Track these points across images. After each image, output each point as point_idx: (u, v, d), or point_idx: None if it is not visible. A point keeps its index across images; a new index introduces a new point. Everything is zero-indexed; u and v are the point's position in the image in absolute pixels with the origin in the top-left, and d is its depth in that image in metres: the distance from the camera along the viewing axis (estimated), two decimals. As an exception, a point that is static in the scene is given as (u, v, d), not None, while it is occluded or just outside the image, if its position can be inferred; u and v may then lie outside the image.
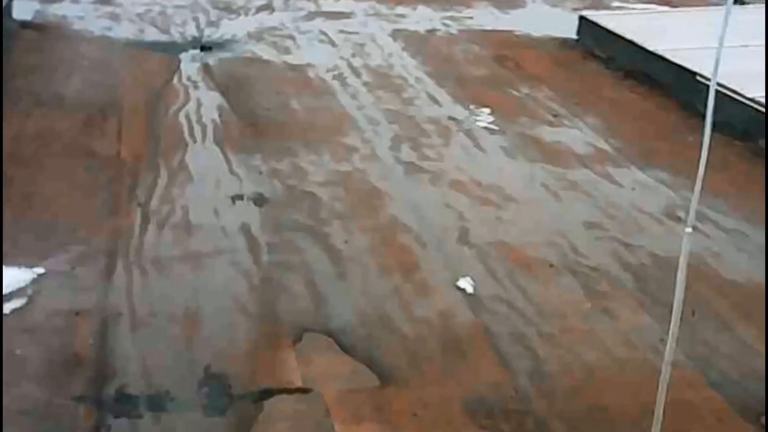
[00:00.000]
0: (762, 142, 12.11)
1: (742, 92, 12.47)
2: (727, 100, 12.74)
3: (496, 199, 10.04)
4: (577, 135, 12.23)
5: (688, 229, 4.92)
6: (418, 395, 6.75)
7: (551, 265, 8.63)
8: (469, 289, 8.14)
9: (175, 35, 16.72)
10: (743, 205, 10.22)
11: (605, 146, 11.75)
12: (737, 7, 17.58)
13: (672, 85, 14.08)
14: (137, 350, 7.31)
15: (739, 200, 10.39)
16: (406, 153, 11.63)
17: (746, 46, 14.12)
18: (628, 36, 14.95)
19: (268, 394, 6.85)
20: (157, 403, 6.80)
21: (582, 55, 15.83)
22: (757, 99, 12.16)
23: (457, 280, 8.41)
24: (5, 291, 7.63)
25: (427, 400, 6.71)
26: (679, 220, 9.66)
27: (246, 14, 18.37)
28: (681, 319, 6.27)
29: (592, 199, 10.13)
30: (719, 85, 11.91)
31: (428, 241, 9.10)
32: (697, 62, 13.86)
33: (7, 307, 7.69)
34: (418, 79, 14.25)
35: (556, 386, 6.84)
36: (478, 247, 8.85)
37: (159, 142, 11.55)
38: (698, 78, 13.33)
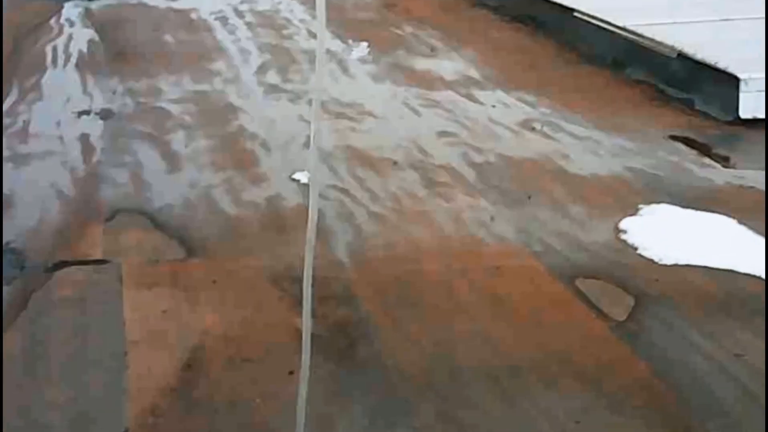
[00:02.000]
0: (630, 71, 11.96)
1: (613, 22, 11.90)
2: (600, 31, 12.71)
3: (353, 113, 9.64)
4: (449, 65, 11.82)
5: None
6: (224, 266, 6.32)
7: (395, 163, 8.23)
8: (304, 180, 7.54)
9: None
10: (599, 119, 9.96)
11: (475, 74, 11.36)
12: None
13: (553, 24, 13.89)
14: None
15: (597, 115, 10.16)
16: (271, 77, 11.10)
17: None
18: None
19: (62, 265, 6.24)
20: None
21: (472, 3, 15.31)
22: (627, 27, 11.58)
23: (294, 174, 7.63)
24: None
25: (232, 270, 6.25)
26: (533, 130, 9.18)
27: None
28: (517, 203, 6.66)
29: (450, 114, 9.75)
30: (592, 17, 11.71)
31: (273, 147, 8.70)
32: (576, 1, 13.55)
33: None
34: (302, 20, 13.93)
35: (376, 257, 6.38)
36: (324, 150, 8.39)
37: (17, 66, 10.81)
38: (575, 14, 12.87)
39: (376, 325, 5.52)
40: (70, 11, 13.92)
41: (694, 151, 8.75)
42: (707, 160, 8.57)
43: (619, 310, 5.80)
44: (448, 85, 10.86)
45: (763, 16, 10.93)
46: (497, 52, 12.49)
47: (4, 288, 5.91)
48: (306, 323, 3.61)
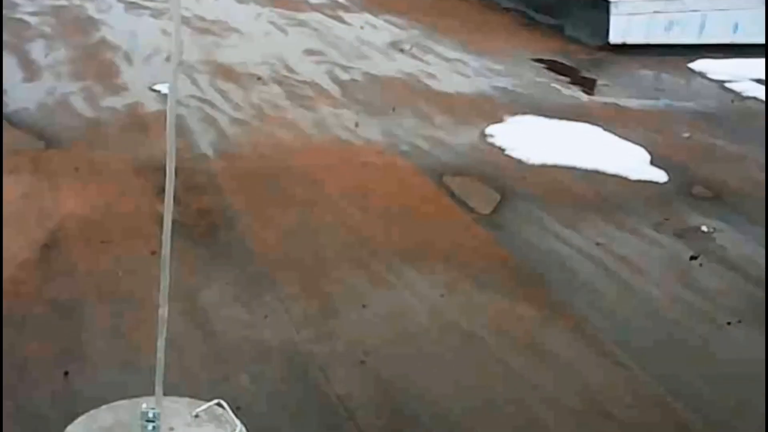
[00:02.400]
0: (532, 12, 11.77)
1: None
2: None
3: (217, 30, 9.55)
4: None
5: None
6: (86, 157, 6.21)
7: (259, 78, 8.17)
8: (165, 91, 7.40)
9: None
10: (467, 43, 10.20)
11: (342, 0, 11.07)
12: None
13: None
14: None
15: (466, 39, 10.38)
16: (131, -1, 10.60)
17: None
18: None
19: None
20: None
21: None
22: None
23: (155, 85, 7.52)
24: None
25: (94, 160, 6.14)
26: (401, 51, 9.16)
27: None
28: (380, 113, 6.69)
29: (317, 34, 9.70)
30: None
31: (135, 59, 8.47)
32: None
33: None
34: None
35: (239, 154, 6.39)
36: (187, 64, 8.24)
37: None
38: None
39: (238, 213, 5.51)
40: None
41: (561, 75, 8.76)
42: (572, 83, 8.56)
43: (485, 205, 5.84)
44: (315, 7, 10.85)
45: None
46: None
47: None
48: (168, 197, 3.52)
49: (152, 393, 3.35)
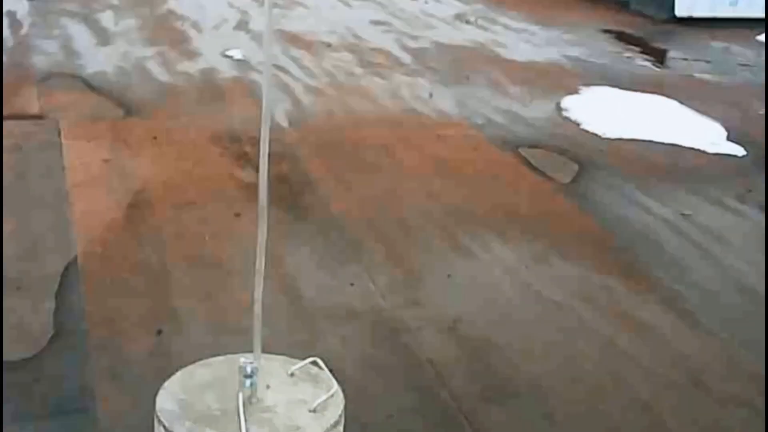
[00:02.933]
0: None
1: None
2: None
3: (282, 2, 9.43)
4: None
5: None
6: (164, 125, 6.20)
7: (329, 45, 8.09)
8: (238, 56, 7.45)
9: None
10: (533, 14, 10.13)
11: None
12: None
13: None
14: None
15: (531, 10, 10.33)
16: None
17: None
18: None
19: (-3, 120, 5.92)
20: None
21: None
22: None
23: (228, 51, 7.51)
24: None
25: (172, 129, 6.12)
26: (467, 23, 9.13)
27: None
28: (454, 82, 6.92)
29: (382, 7, 9.72)
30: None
31: (204, 27, 8.48)
32: None
33: None
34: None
35: (315, 123, 6.37)
36: (255, 32, 8.31)
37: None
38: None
39: (318, 180, 5.50)
40: None
41: (630, 45, 8.68)
42: (643, 53, 8.47)
43: (564, 175, 5.79)
44: (375, -13, 10.60)
45: None
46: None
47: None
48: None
49: (243, 352, 3.31)
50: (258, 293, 3.24)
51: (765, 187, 5.70)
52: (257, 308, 3.23)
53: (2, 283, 4.31)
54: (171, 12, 8.80)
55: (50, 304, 3.98)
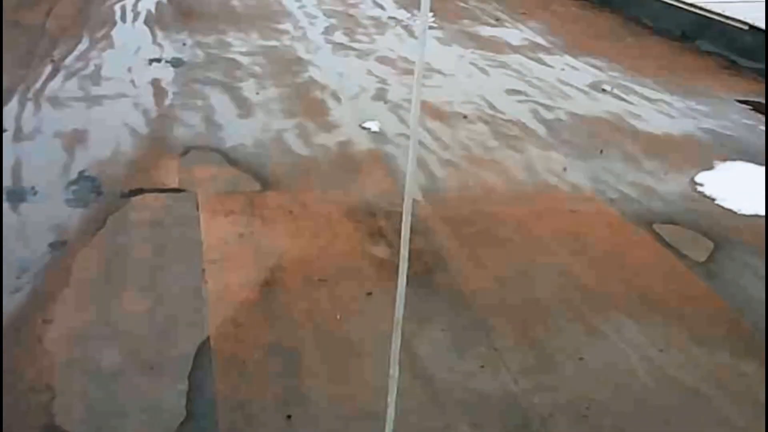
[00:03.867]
0: (699, 42, 11.84)
1: (683, -2, 11.78)
2: (669, 7, 12.65)
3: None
4: (515, 33, 11.72)
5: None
6: (299, 199, 6.22)
7: (465, 116, 8.07)
8: (375, 129, 7.48)
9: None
10: (670, 84, 9.85)
11: (541, 41, 11.20)
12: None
13: (618, 1, 13.70)
14: (12, 157, 6.51)
15: (668, 80, 10.03)
16: (338, 37, 10.98)
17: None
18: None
19: (138, 192, 6.12)
20: (18, 195, 6.35)
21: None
22: (696, 4, 11.44)
23: (365, 123, 7.54)
24: None
25: (307, 203, 6.13)
26: (603, 91, 9.05)
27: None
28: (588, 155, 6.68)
29: (519, 75, 9.57)
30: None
31: (343, 97, 8.48)
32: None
33: None
34: (367, -11, 13.47)
35: (449, 197, 6.30)
36: (393, 102, 8.30)
37: (88, 21, 10.94)
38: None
39: (450, 256, 5.42)
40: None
41: (765, 116, 8.46)
42: None
43: (699, 253, 5.62)
44: (515, 49, 10.74)
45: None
46: (563, 23, 12.34)
47: (80, 210, 5.75)
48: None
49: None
50: (393, 383, 3.16)
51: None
52: (391, 398, 3.15)
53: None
54: (312, 80, 8.88)
55: (183, 386, 3.94)
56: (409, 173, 3.01)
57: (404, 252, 3.05)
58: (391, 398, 3.21)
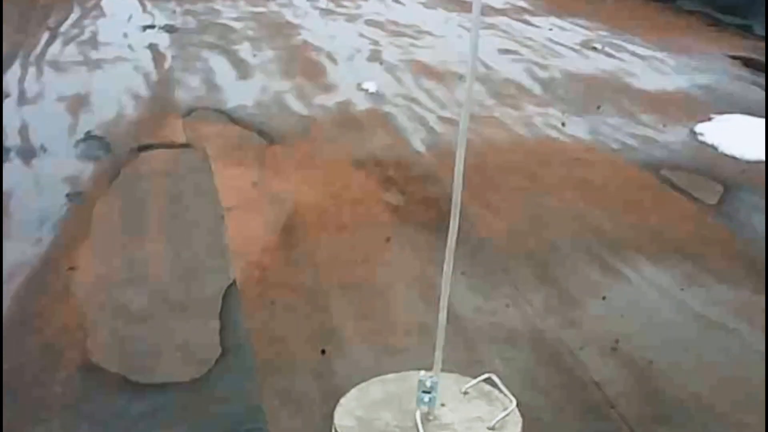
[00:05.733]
0: (680, 2, 11.79)
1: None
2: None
3: (411, 32, 9.47)
4: (496, -2, 11.49)
5: None
6: (306, 151, 6.13)
7: (460, 77, 7.87)
8: (373, 89, 7.42)
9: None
10: (659, 41, 9.86)
11: (524, 4, 11.35)
12: None
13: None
14: (18, 120, 6.45)
15: (656, 38, 10.02)
16: (323, 3, 10.85)
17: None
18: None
19: (147, 148, 6.08)
20: (29, 153, 6.27)
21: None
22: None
23: (362, 83, 7.46)
24: None
25: (315, 155, 6.07)
26: (594, 49, 9.01)
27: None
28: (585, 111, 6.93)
29: (509, 36, 9.56)
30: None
31: (338, 59, 8.46)
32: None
33: None
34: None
35: (451, 150, 6.09)
36: (388, 63, 8.21)
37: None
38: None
39: (464, 203, 5.31)
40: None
41: (758, 71, 8.45)
42: None
43: (710, 195, 5.59)
44: (501, 12, 10.76)
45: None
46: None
47: (92, 164, 5.70)
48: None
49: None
50: (444, 300, 3.08)
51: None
52: (442, 318, 3.08)
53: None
54: (305, 43, 8.89)
55: (215, 324, 3.88)
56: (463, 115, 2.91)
57: (455, 211, 2.93)
58: (442, 318, 3.13)
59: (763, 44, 9.39)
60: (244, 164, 5.77)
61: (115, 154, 5.94)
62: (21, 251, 4.57)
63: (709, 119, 7.05)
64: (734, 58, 8.78)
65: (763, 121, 6.99)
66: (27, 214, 5.17)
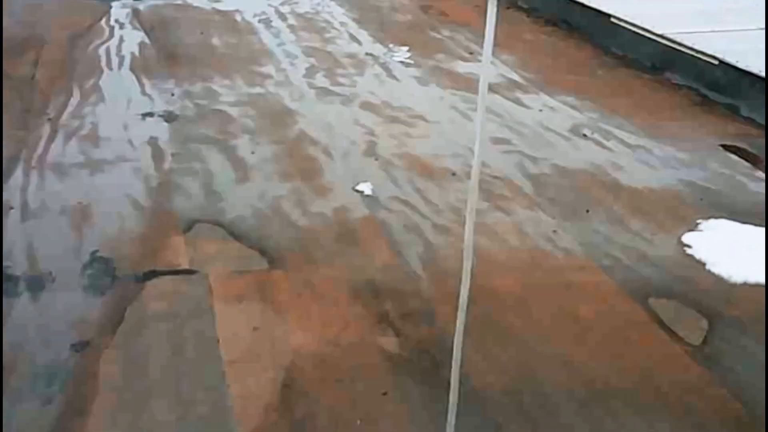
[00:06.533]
0: (670, 75, 11.98)
1: (652, 30, 11.95)
2: (638, 37, 12.69)
3: (404, 117, 9.65)
4: (490, 68, 11.58)
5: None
6: (305, 277, 6.34)
7: (453, 174, 8.14)
8: (368, 192, 7.62)
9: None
10: (648, 126, 9.98)
11: (516, 77, 11.36)
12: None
13: (589, 28, 13.87)
14: (24, 239, 6.69)
15: (645, 122, 10.16)
16: (320, 80, 11.21)
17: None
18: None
19: (151, 275, 6.35)
20: (38, 283, 6.41)
21: (506, 5, 15.29)
22: (666, 35, 11.59)
23: (358, 185, 7.67)
24: None
25: (314, 282, 6.28)
26: (584, 137, 9.17)
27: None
28: (575, 215, 6.93)
29: (500, 120, 9.70)
30: (629, 23, 11.72)
31: (334, 153, 8.65)
32: (612, 5, 13.68)
33: None
34: (342, 23, 13.83)
35: (446, 268, 6.40)
36: (383, 158, 8.48)
37: (75, 69, 10.97)
38: (612, 20, 12.76)
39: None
40: (118, 12, 14.07)
41: (745, 163, 8.73)
42: (759, 173, 8.76)
43: (695, 334, 5.84)
44: (493, 88, 10.88)
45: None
46: (535, 55, 12.51)
47: (99, 299, 5.92)
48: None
49: None
50: None
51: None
52: None
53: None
54: (303, 134, 9.25)
55: None
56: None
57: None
58: None
59: (750, 129, 9.53)
60: (246, 298, 5.99)
61: (121, 285, 6.30)
62: (31, 417, 4.91)
63: (697, 226, 7.21)
64: (721, 146, 8.96)
65: (748, 228, 7.15)
66: (36, 366, 5.50)
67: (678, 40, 11.62)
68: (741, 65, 10.54)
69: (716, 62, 10.75)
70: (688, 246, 6.94)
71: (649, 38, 12.22)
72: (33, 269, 6.35)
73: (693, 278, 6.49)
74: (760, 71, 10.15)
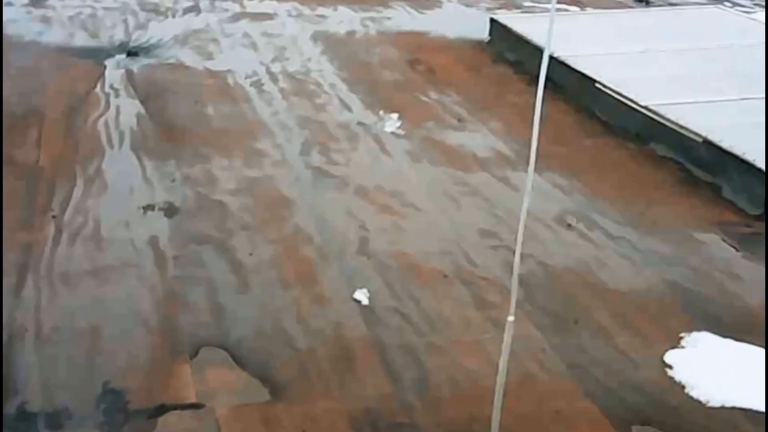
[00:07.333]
0: (654, 145, 12.42)
1: (636, 100, 12.38)
2: (623, 107, 13.02)
3: (396, 206, 10.06)
4: (479, 139, 12.25)
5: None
6: (307, 410, 6.80)
7: (445, 276, 8.58)
8: (365, 301, 8.04)
9: (104, 39, 16.69)
10: (631, 213, 10.45)
11: (505, 149, 11.83)
12: (641, 10, 17.73)
13: (573, 90, 14.11)
14: (39, 367, 7.22)
15: (628, 207, 10.64)
16: (315, 157, 11.77)
17: (645, 51, 14.14)
18: (535, 40, 14.69)
19: (162, 410, 6.76)
20: (56, 420, 6.75)
21: (492, 58, 15.88)
22: (650, 107, 12.10)
23: (354, 292, 8.12)
24: None
25: (316, 415, 6.74)
26: (569, 227, 9.60)
27: (173, 16, 18.11)
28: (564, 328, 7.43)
29: (489, 206, 10.24)
30: (616, 92, 12.11)
31: (329, 253, 9.08)
32: (598, 69, 14.02)
33: None
34: (332, 86, 14.26)
35: (441, 397, 6.83)
36: (375, 257, 8.85)
37: (77, 150, 11.26)
38: (597, 85, 13.12)
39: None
40: (112, 74, 14.56)
41: (725, 256, 9.49)
42: (736, 274, 9.18)
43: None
44: (482, 165, 11.70)
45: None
46: (523, 122, 12.68)
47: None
48: None
49: None
50: None
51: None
52: None
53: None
54: (297, 229, 9.64)
55: None
56: None
57: None
58: None
59: (730, 215, 9.95)
60: (252, 432, 6.24)
61: (133, 421, 6.76)
62: None
63: (679, 342, 7.67)
64: (702, 233, 9.47)
65: (728, 343, 7.62)
66: None
67: (662, 113, 12.04)
68: (725, 145, 10.90)
69: (699, 140, 11.03)
70: (670, 366, 7.33)
71: (633, 108, 12.65)
72: (49, 403, 6.63)
73: (673, 403, 6.98)
74: (744, 153, 10.55)
